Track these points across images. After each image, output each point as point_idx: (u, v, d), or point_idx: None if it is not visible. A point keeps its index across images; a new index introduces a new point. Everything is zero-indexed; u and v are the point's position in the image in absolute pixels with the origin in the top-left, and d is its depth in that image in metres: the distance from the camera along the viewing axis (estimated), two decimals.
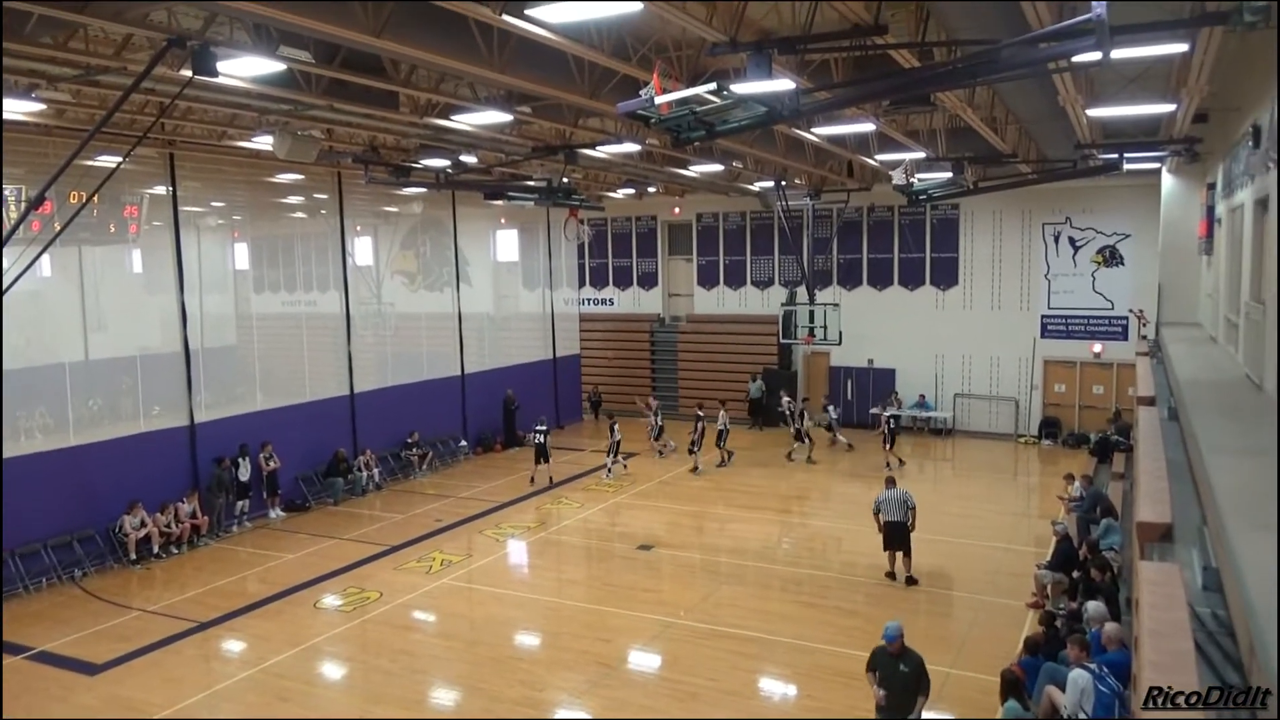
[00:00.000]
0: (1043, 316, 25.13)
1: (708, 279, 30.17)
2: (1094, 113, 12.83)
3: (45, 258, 13.84)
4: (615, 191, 27.55)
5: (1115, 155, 16.73)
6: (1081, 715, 7.22)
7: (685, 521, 18.82)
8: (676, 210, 30.25)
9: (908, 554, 14.50)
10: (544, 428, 21.45)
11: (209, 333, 19.09)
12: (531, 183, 19.66)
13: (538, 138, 16.98)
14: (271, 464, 19.10)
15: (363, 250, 24.03)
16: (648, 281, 31.30)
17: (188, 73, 9.84)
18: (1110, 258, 24.19)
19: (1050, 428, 25.05)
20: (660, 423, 24.03)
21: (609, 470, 21.89)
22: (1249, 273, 9.84)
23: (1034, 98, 12.93)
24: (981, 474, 22.49)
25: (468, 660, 12.35)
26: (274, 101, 13.10)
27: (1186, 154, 16.08)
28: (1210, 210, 14.58)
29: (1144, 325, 20.67)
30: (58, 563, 15.58)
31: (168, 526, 16.89)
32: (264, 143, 15.90)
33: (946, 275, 26.30)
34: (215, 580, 15.52)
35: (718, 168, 20.86)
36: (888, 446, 22.34)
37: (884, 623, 13.02)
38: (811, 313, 24.18)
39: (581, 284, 31.72)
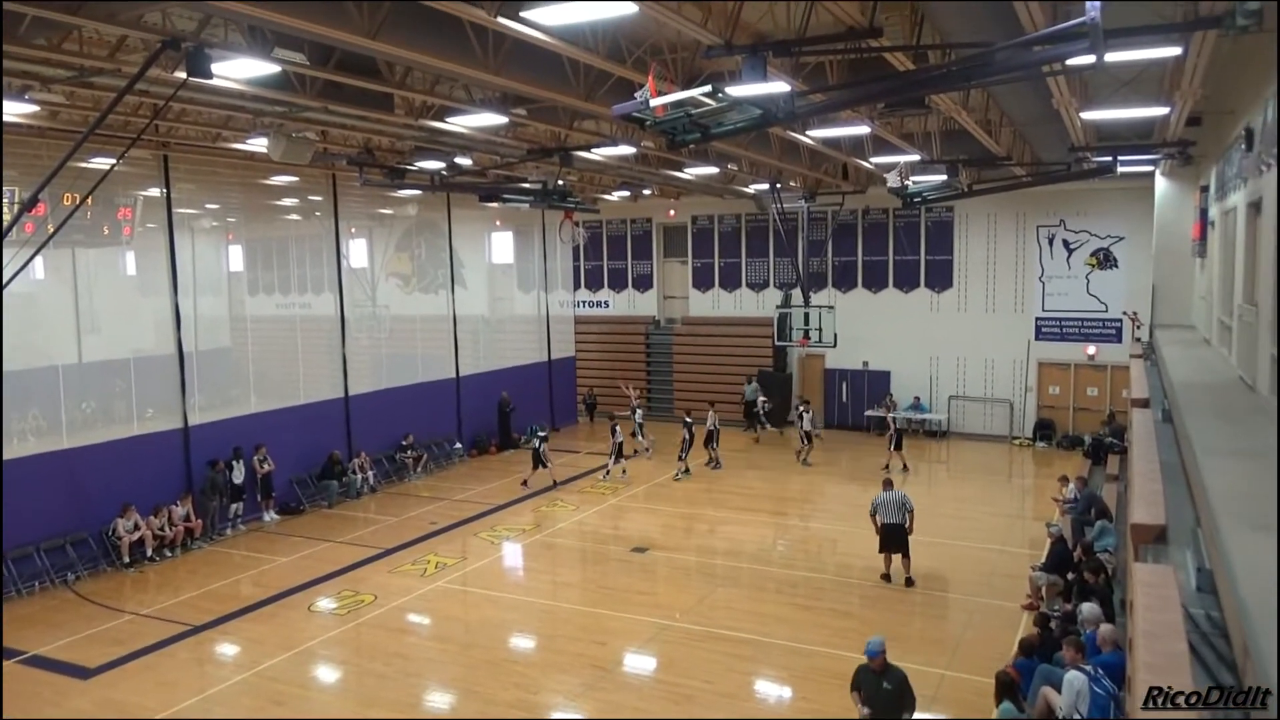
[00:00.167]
0: (1037, 319, 25.18)
1: (703, 281, 30.19)
2: (1088, 115, 12.87)
3: (38, 260, 13.81)
4: (610, 194, 27.56)
5: (1109, 158, 16.78)
6: (1077, 716, 7.23)
7: (680, 524, 18.82)
8: (672, 213, 30.26)
9: (906, 556, 14.50)
10: (544, 434, 21.47)
11: (203, 335, 19.06)
12: (527, 185, 19.64)
13: (533, 140, 16.98)
14: (266, 467, 19.06)
15: (357, 252, 24.00)
16: (643, 284, 31.31)
17: (182, 74, 9.83)
18: (1104, 260, 24.26)
19: (1045, 430, 25.09)
20: (639, 419, 24.13)
21: (607, 471, 21.89)
22: (1242, 275, 9.87)
23: (1028, 100, 12.97)
24: (976, 476, 22.53)
25: (462, 663, 12.33)
26: (268, 103, 13.09)
27: (1180, 157, 16.14)
28: (1204, 213, 14.63)
29: (1138, 327, 20.72)
30: (50, 566, 15.53)
31: (161, 529, 16.83)
32: (258, 145, 15.88)
33: (941, 278, 26.35)
34: (209, 583, 15.48)
35: (713, 170, 20.88)
36: (893, 449, 22.29)
37: (880, 625, 13.09)
38: (806, 315, 24.23)
39: (577, 286, 31.72)
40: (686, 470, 21.99)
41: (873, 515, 14.64)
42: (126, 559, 16.21)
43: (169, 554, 16.90)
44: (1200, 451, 6.13)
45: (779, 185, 23.40)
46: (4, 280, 9.16)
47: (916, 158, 17.33)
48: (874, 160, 18.63)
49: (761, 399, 25.99)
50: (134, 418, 17.76)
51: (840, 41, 9.25)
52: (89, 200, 13.97)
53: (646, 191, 27.60)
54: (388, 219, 24.78)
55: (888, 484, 15.00)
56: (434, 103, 13.66)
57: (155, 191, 18.09)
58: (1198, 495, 5.65)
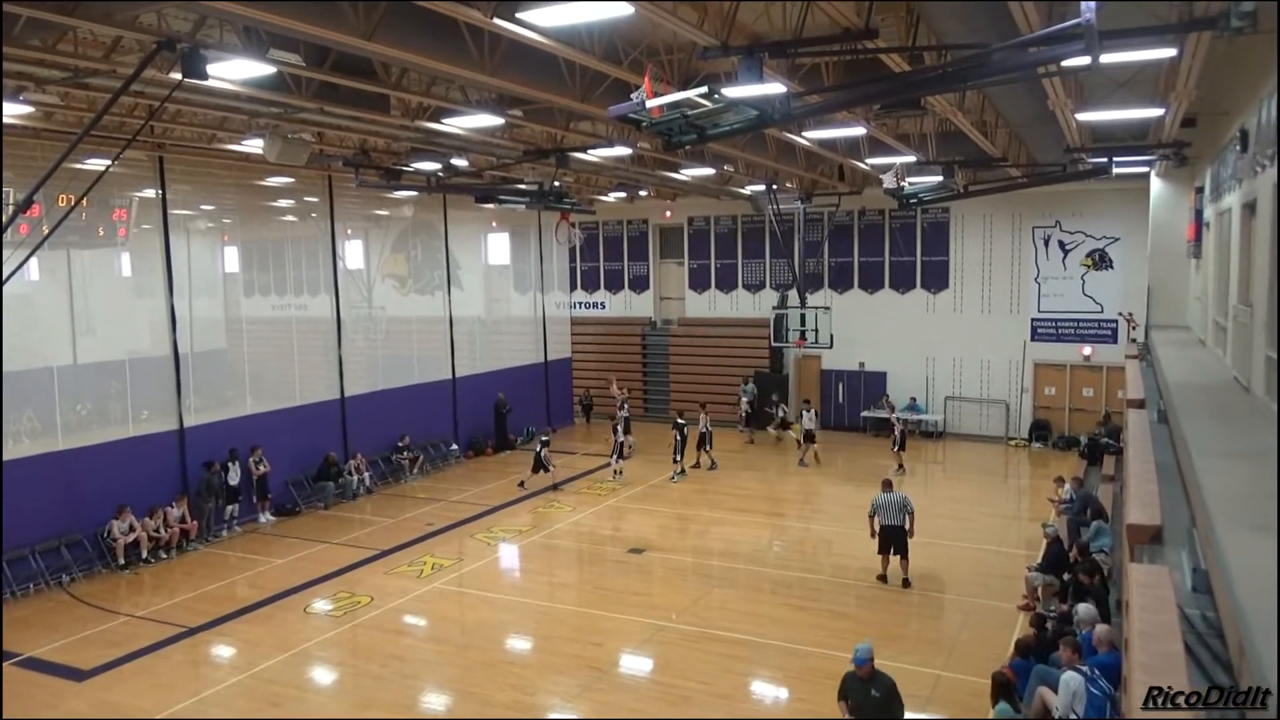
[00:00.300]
0: (1033, 319, 25.23)
1: (699, 282, 30.20)
2: (1083, 117, 12.89)
3: (33, 261, 13.79)
4: (607, 195, 27.56)
5: (1104, 159, 16.82)
6: (1073, 717, 7.24)
7: (677, 525, 18.82)
8: (668, 214, 30.27)
9: (905, 557, 14.50)
10: (547, 438, 21.52)
11: (198, 336, 19.01)
12: (523, 186, 19.65)
13: (529, 141, 16.97)
14: (261, 468, 19.03)
15: (353, 254, 23.97)
16: (639, 285, 31.31)
17: (177, 75, 9.82)
18: (1099, 261, 24.31)
19: (1040, 430, 25.13)
20: (624, 414, 24.30)
21: (618, 472, 21.90)
22: (1237, 276, 9.89)
23: (1024, 102, 13.00)
24: (972, 476, 22.56)
25: (459, 664, 12.32)
26: (264, 104, 13.07)
27: (1175, 158, 16.17)
28: (1198, 214, 14.66)
29: (1133, 328, 20.76)
30: (45, 568, 15.48)
31: (156, 531, 16.80)
32: (254, 146, 15.86)
33: (937, 278, 26.38)
34: (204, 585, 15.45)
35: (709, 171, 20.89)
36: (897, 449, 22.26)
37: (876, 625, 13.11)
38: (803, 316, 24.22)
39: (573, 287, 31.72)
40: (683, 471, 21.99)
41: (871, 516, 14.62)
42: (122, 561, 16.17)
43: (164, 556, 16.86)
44: (1195, 452, 6.13)
45: (775, 186, 23.41)
46: (2, 279, 9.14)
47: (912, 159, 17.35)
48: (870, 161, 18.66)
49: (745, 400, 26.09)
50: (129, 419, 17.73)
51: (836, 43, 9.26)
52: (84, 201, 13.94)
53: (643, 193, 27.61)
54: (384, 220, 24.76)
55: (887, 485, 14.93)
56: (430, 104, 13.65)
57: (150, 193, 18.06)
58: (1193, 496, 5.66)
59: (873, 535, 14.65)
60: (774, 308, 27.09)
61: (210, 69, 9.63)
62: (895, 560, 14.55)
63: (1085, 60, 7.17)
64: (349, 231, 23.44)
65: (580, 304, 31.81)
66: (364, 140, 17.48)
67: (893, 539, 14.45)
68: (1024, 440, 25.27)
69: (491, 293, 28.79)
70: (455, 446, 24.60)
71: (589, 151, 17.16)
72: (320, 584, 15.35)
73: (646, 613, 13.80)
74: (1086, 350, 24.64)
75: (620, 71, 10.77)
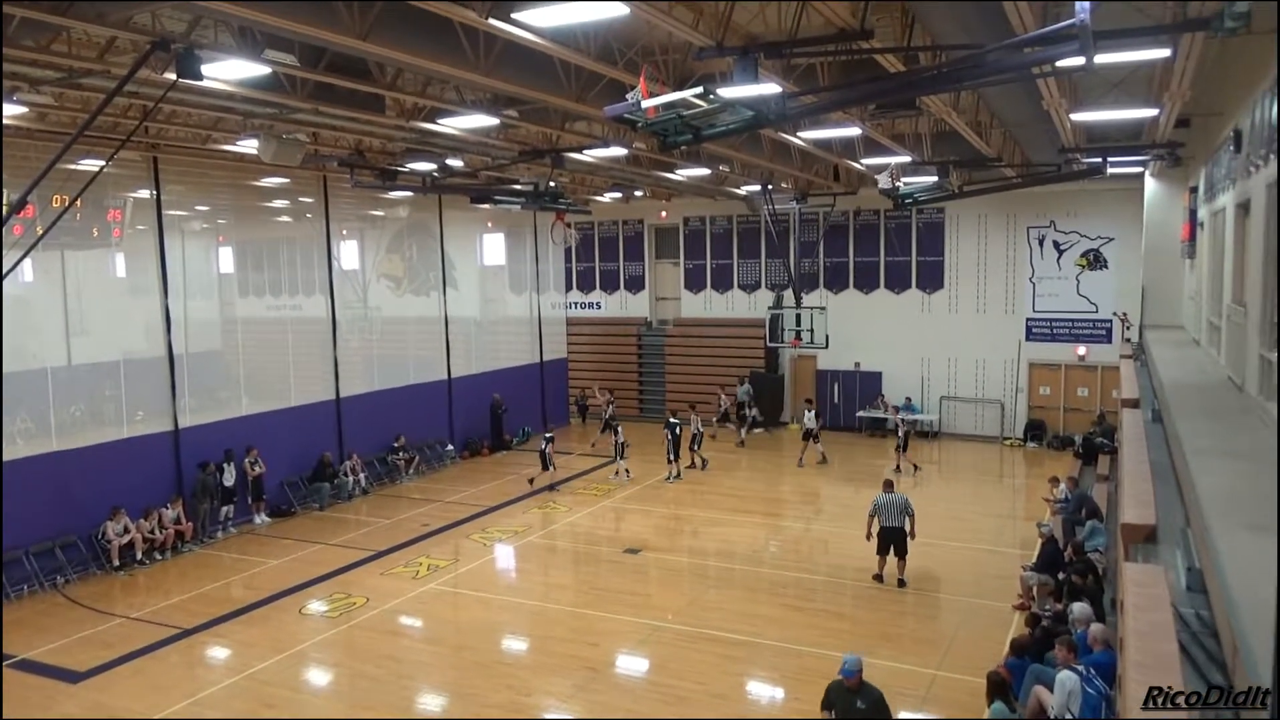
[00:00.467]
0: (1028, 319, 25.26)
1: (695, 283, 30.20)
2: (1078, 117, 12.93)
3: (27, 262, 13.75)
4: (602, 195, 27.57)
5: (1099, 159, 16.85)
6: (1069, 716, 7.25)
7: (672, 525, 18.82)
8: (663, 214, 30.27)
9: (903, 557, 14.49)
10: (550, 435, 21.60)
11: (193, 337, 18.97)
12: (518, 186, 19.65)
13: (524, 141, 16.97)
14: (256, 469, 19.00)
15: (348, 254, 23.93)
16: (634, 285, 31.31)
17: (172, 76, 9.80)
18: (1094, 261, 24.36)
19: (1035, 430, 25.18)
20: (608, 415, 24.44)
21: (627, 473, 21.89)
22: (1230, 276, 9.93)
23: (1018, 102, 13.02)
24: (967, 476, 22.59)
25: (454, 665, 12.32)
26: (259, 105, 13.04)
27: (1169, 158, 16.22)
28: (1193, 214, 14.71)
29: (1128, 328, 20.82)
30: (40, 569, 15.44)
31: (151, 532, 16.77)
32: (249, 146, 15.84)
33: (932, 279, 26.42)
34: (199, 586, 15.42)
35: (704, 172, 20.90)
36: (902, 451, 22.25)
37: (872, 625, 13.13)
38: (798, 316, 24.23)
39: (568, 288, 31.72)
40: (678, 475, 21.90)
41: (871, 516, 14.60)
42: (116, 562, 16.13)
43: (159, 557, 16.83)
44: (1190, 451, 6.16)
45: (771, 187, 23.43)
46: (2, 278, 9.12)
47: (908, 159, 17.37)
48: (865, 161, 18.68)
49: (726, 400, 26.18)
50: (124, 420, 17.69)
51: (831, 43, 9.27)
52: (78, 202, 13.90)
53: (638, 193, 27.62)
54: (379, 221, 24.73)
55: (889, 486, 14.86)
56: (425, 104, 13.65)
57: (145, 193, 18.02)
58: (1188, 495, 5.68)
59: (869, 537, 14.64)
60: (769, 308, 27.09)
61: (205, 69, 9.61)
62: (891, 560, 14.56)
63: (1080, 61, 7.18)
64: (344, 232, 23.41)
65: (576, 304, 31.80)
66: (359, 141, 17.46)
67: (892, 540, 14.43)
68: (1019, 440, 25.30)
69: (487, 293, 28.76)
70: (451, 447, 24.58)
71: (584, 152, 17.16)
72: (316, 585, 15.33)
73: (642, 613, 13.80)
74: (1081, 350, 24.68)
75: (616, 72, 10.77)
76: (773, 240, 27.21)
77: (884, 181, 17.17)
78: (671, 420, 22.08)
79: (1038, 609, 11.95)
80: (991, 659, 10.62)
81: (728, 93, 8.68)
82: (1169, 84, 10.65)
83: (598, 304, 31.79)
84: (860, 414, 27.14)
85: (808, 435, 23.48)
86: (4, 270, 9.20)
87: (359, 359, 23.12)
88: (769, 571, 15.77)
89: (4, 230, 11.81)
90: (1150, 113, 12.93)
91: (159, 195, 17.98)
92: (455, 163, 18.88)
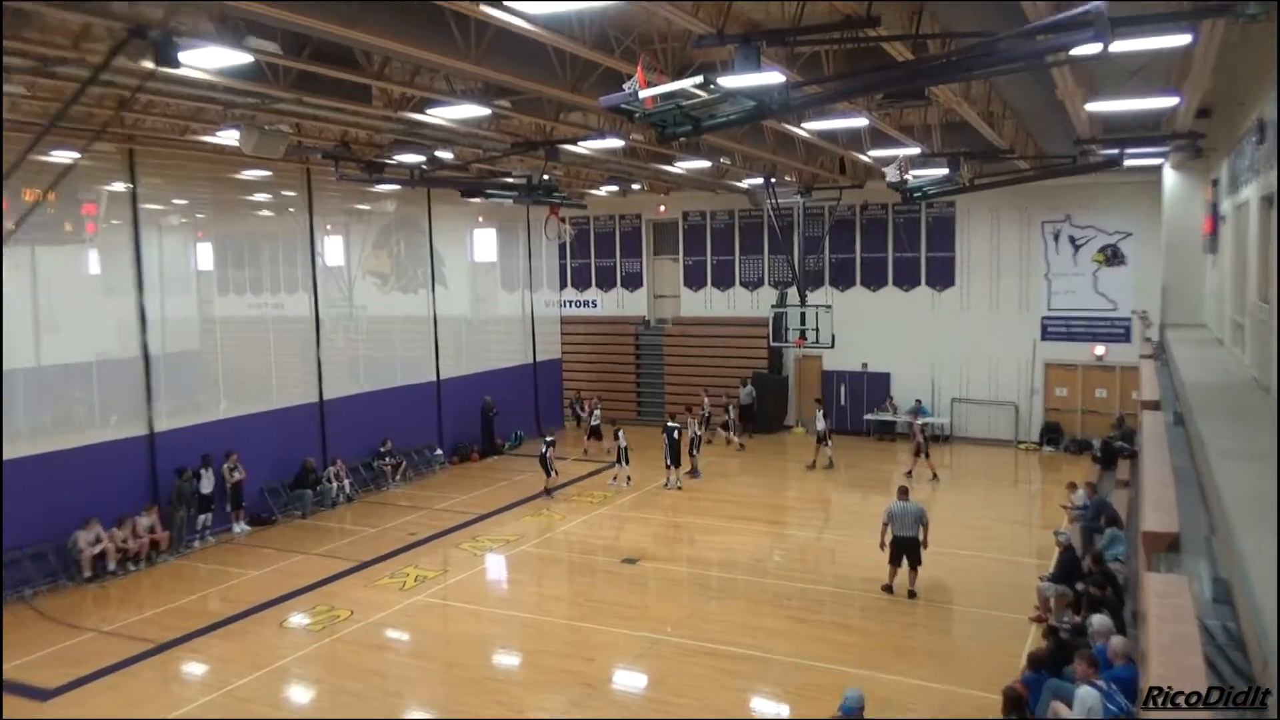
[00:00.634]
0: (1043, 318, 25.29)
1: (695, 280, 30.22)
2: (1094, 107, 12.94)
3: None
4: (598, 189, 27.56)
5: (1116, 151, 16.87)
6: None
7: (672, 534, 18.82)
8: (662, 208, 30.28)
9: (915, 568, 14.47)
10: (551, 439, 21.62)
11: (170, 337, 18.95)
12: (510, 180, 19.62)
13: (517, 133, 16.97)
14: (236, 475, 18.98)
15: (333, 250, 23.91)
16: (632, 282, 31.31)
17: (149, 64, 9.78)
18: (1112, 257, 24.38)
19: (1052, 433, 25.20)
20: (595, 422, 24.76)
21: (627, 479, 21.89)
22: (1255, 272, 9.94)
23: (1032, 92, 13.04)
24: (980, 482, 22.61)
25: (443, 681, 12.30)
26: (240, 95, 13.04)
27: (1189, 149, 16.24)
28: (1215, 207, 14.72)
29: (1148, 327, 20.83)
30: (7, 581, 15.39)
31: (125, 542, 16.73)
32: (229, 138, 15.81)
33: (943, 275, 26.44)
34: (175, 599, 15.39)
35: (705, 164, 20.91)
36: (923, 457, 22.18)
37: (881, 638, 13.13)
38: (803, 315, 24.24)
39: (563, 285, 31.71)
40: (679, 485, 21.79)
41: (885, 525, 14.57)
42: (88, 574, 16.10)
43: (133, 568, 16.80)
44: (1214, 455, 6.16)
45: (774, 180, 23.44)
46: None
47: (916, 151, 17.39)
48: (872, 154, 18.70)
49: (708, 400, 26.54)
50: (96, 424, 17.66)
51: (837, 30, 9.28)
52: (51, 196, 13.88)
53: (636, 186, 27.62)
54: (365, 215, 24.73)
55: (903, 493, 14.80)
56: (413, 94, 13.64)
57: (120, 187, 18.00)
58: (1212, 501, 5.68)
59: (883, 546, 14.62)
60: (773, 306, 27.13)
61: (183, 57, 9.61)
62: (902, 570, 14.55)
63: (1096, 48, 7.18)
64: (328, 227, 23.40)
65: (570, 302, 31.81)
66: (344, 132, 17.44)
67: (905, 550, 14.41)
68: (1034, 444, 25.33)
69: (478, 291, 28.75)
70: (440, 452, 24.58)
71: (580, 144, 17.16)
72: (297, 597, 15.30)
73: (640, 626, 13.79)
74: (1099, 350, 24.70)
75: (612, 61, 10.77)
76: (776, 235, 27.23)
77: (892, 174, 17.18)
78: (670, 424, 22.06)
79: (1055, 621, 11.95)
80: (1007, 674, 10.62)
81: (729, 82, 8.67)
82: (1189, 72, 10.67)
83: (593, 302, 31.80)
84: (868, 417, 27.15)
85: (822, 438, 23.49)
86: None
87: (344, 360, 23.11)
88: (773, 582, 15.77)
89: None
90: (1169, 102, 12.94)
91: (135, 189, 17.96)
92: (445, 155, 18.87)
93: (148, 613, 14.87)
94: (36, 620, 14.70)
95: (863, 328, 26.65)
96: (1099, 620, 9.30)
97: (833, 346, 24.12)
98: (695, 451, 22.94)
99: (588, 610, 14.67)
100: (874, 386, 27.27)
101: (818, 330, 23.98)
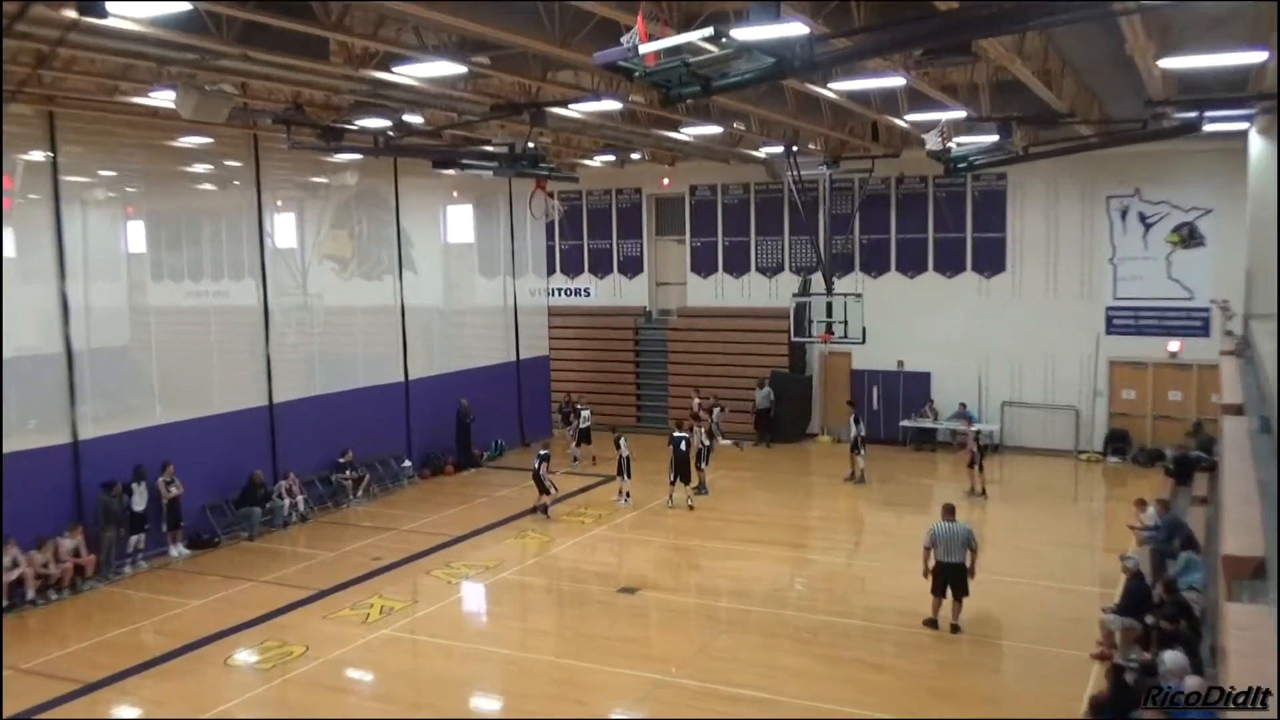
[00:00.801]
0: (1108, 308, 25.30)
1: (704, 265, 30.22)
2: (1168, 63, 12.91)
3: None
4: (591, 159, 27.56)
5: (1194, 114, 16.84)
6: None
7: (677, 558, 18.84)
8: (666, 182, 30.29)
9: (961, 599, 14.43)
10: (545, 452, 21.60)
11: (97, 330, 18.95)
12: (490, 148, 19.61)
13: (497, 94, 16.96)
14: (173, 490, 18.98)
15: (284, 230, 23.93)
16: (631, 268, 31.33)
17: (72, 14, 9.78)
18: (1189, 237, 24.35)
19: (1117, 442, 25.22)
20: (584, 424, 25.23)
21: (626, 495, 21.96)
22: None
23: (1096, 46, 13.03)
24: (1034, 498, 22.60)
25: None
26: (176, 49, 13.02)
27: None
28: None
29: (1229, 318, 20.82)
30: None
31: (45, 567, 16.74)
32: (164, 100, 15.81)
33: (992, 259, 26.44)
34: (104, 632, 15.41)
35: (715, 130, 20.90)
36: (976, 469, 22.15)
37: (919, 679, 13.14)
38: (829, 305, 24.19)
39: (551, 271, 31.73)
40: (689, 501, 21.71)
41: (927, 550, 14.54)
42: (3, 602, 16.12)
43: (55, 596, 16.81)
44: None
45: (796, 148, 23.44)
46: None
47: (961, 115, 17.38)
48: (910, 118, 18.68)
49: (698, 402, 26.79)
50: (11, 430, 17.63)
51: None
52: None
53: (635, 156, 27.60)
54: (321, 189, 24.72)
55: (949, 512, 14.69)
56: (378, 49, 13.62)
57: (39, 156, 18.00)
58: None
59: (926, 574, 14.60)
60: (794, 295, 27.05)
61: (110, 6, 9.59)
62: (945, 601, 14.52)
63: None
64: (279, 203, 23.40)
65: (560, 291, 31.83)
66: (297, 93, 17.44)
67: (950, 578, 14.36)
68: (1097, 454, 25.35)
69: (452, 277, 28.77)
70: (408, 464, 24.60)
71: (570, 106, 17.15)
72: (244, 631, 15.31)
73: (640, 664, 13.81)
74: (1173, 345, 24.70)
75: (608, 9, 10.76)
76: (798, 213, 27.19)
77: (933, 142, 17.17)
78: (677, 434, 21.98)
79: (1121, 659, 11.97)
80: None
81: (743, 35, 8.66)
82: None
83: (586, 290, 31.81)
84: (904, 423, 27.16)
85: (855, 446, 23.52)
86: None
87: (297, 357, 23.11)
88: (793, 614, 15.80)
89: None
90: (1257, 57, 12.91)
91: (55, 158, 17.96)
92: (414, 120, 18.87)
93: (72, 647, 14.89)
94: None
95: (898, 320, 26.66)
96: (1172, 658, 9.30)
97: (864, 342, 24.08)
98: (703, 464, 22.93)
99: (579, 647, 14.69)
100: (911, 388, 27.28)
101: (846, 323, 23.92)
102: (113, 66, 15.18)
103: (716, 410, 26.66)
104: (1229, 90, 16.24)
